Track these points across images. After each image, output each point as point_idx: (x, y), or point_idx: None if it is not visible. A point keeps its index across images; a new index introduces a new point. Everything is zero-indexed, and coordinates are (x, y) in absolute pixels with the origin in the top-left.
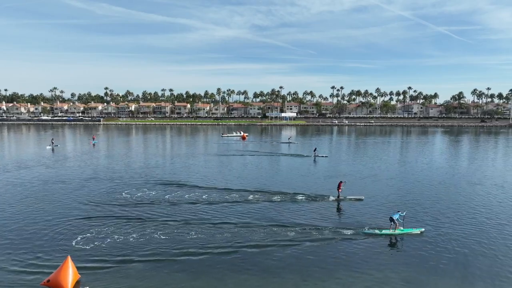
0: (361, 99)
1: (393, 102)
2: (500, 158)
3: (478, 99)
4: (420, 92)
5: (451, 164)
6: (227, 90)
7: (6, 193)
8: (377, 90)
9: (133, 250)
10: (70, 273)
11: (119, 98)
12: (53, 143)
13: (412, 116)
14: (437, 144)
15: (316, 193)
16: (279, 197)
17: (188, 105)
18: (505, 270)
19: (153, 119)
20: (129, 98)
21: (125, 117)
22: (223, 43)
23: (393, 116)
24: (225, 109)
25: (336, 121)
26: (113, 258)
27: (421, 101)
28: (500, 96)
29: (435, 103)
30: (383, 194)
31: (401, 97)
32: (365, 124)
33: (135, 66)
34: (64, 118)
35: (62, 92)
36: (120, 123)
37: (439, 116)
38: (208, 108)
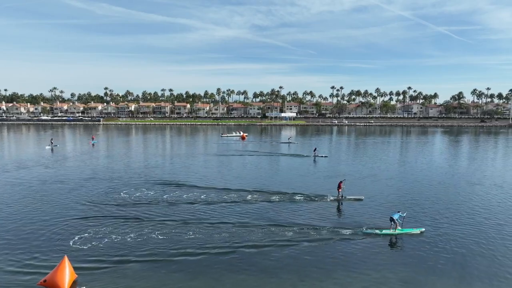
0: (361, 99)
1: (393, 102)
2: (500, 158)
3: (478, 99)
4: (420, 92)
5: (450, 164)
6: (227, 90)
7: (4, 193)
8: (377, 90)
9: (131, 250)
10: (66, 273)
11: (119, 98)
12: (52, 143)
13: (412, 116)
14: (437, 144)
15: (315, 193)
16: (278, 197)
17: (188, 105)
18: (504, 270)
19: (152, 119)
20: (129, 98)
21: (125, 117)
22: (223, 43)
23: (392, 116)
24: (225, 109)
25: (336, 121)
26: (110, 258)
27: (421, 101)
28: (500, 96)
29: (435, 103)
30: (383, 194)
31: (401, 97)
32: (365, 124)
33: (135, 66)
34: (64, 118)
35: (62, 92)
36: (120, 123)
37: (439, 116)
38: (208, 108)
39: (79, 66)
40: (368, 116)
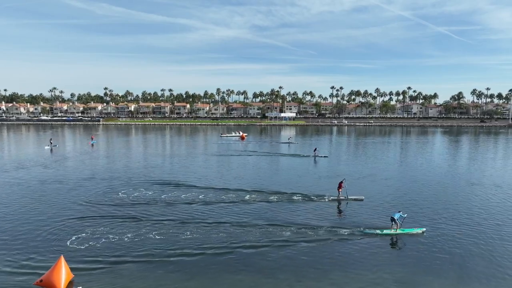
0: (360, 99)
1: (392, 102)
2: (499, 158)
3: (478, 99)
4: (420, 92)
5: (450, 164)
6: (227, 90)
7: (2, 193)
8: (377, 90)
9: (128, 250)
10: (63, 272)
11: (118, 98)
12: (51, 143)
13: (412, 116)
14: (437, 144)
15: (315, 193)
16: (277, 197)
17: (188, 105)
18: (502, 271)
19: (151, 119)
20: (129, 98)
21: (125, 117)
22: (223, 43)
23: (392, 116)
24: (225, 109)
25: (336, 121)
26: (107, 259)
27: (421, 101)
28: (499, 96)
29: (435, 103)
30: (383, 194)
31: (400, 97)
32: (365, 124)
33: (135, 66)
34: (64, 118)
35: (61, 92)
36: (119, 123)
37: (439, 116)
38: (207, 108)
39: (79, 66)
40: (367, 116)
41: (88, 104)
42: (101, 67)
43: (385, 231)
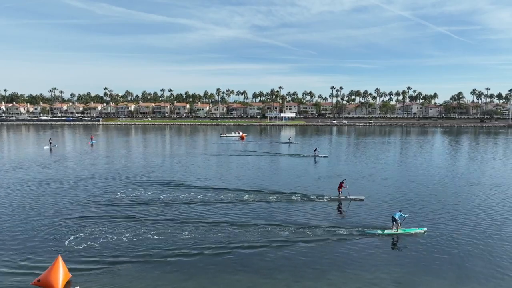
0: (360, 99)
1: (392, 102)
2: (499, 158)
3: (478, 99)
4: (420, 92)
5: (449, 164)
6: (227, 91)
7: (1, 193)
8: (377, 90)
9: (126, 251)
10: (60, 273)
11: (118, 98)
12: (51, 143)
13: (412, 116)
14: (436, 144)
15: (315, 193)
16: (276, 197)
17: (188, 105)
18: (501, 271)
19: (150, 119)
20: (129, 98)
21: (125, 117)
22: (223, 43)
23: (392, 116)
24: (225, 109)
25: (336, 121)
26: (105, 259)
27: (421, 101)
28: (499, 96)
29: (435, 103)
30: (383, 194)
31: (400, 97)
32: (365, 124)
33: (135, 66)
34: (64, 118)
35: (61, 92)
36: (119, 123)
37: (439, 116)
38: (207, 108)
39: (79, 66)
40: (367, 116)
41: (88, 104)
42: (101, 67)
43: (386, 231)
